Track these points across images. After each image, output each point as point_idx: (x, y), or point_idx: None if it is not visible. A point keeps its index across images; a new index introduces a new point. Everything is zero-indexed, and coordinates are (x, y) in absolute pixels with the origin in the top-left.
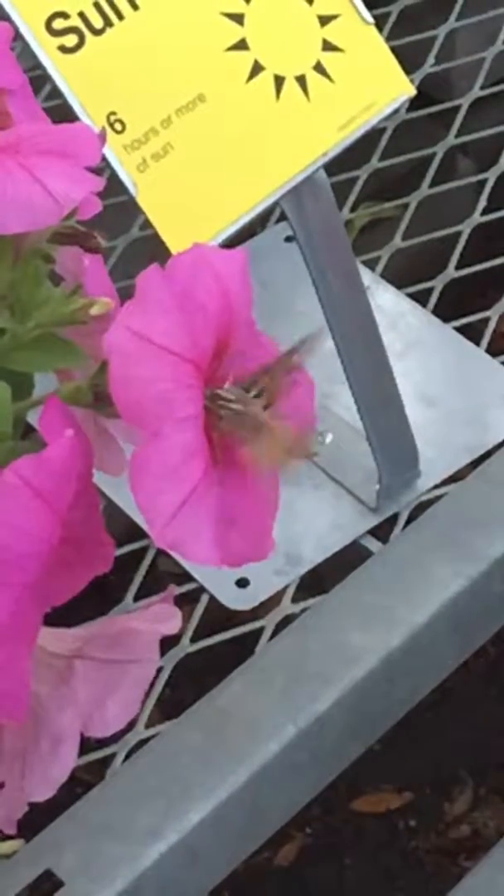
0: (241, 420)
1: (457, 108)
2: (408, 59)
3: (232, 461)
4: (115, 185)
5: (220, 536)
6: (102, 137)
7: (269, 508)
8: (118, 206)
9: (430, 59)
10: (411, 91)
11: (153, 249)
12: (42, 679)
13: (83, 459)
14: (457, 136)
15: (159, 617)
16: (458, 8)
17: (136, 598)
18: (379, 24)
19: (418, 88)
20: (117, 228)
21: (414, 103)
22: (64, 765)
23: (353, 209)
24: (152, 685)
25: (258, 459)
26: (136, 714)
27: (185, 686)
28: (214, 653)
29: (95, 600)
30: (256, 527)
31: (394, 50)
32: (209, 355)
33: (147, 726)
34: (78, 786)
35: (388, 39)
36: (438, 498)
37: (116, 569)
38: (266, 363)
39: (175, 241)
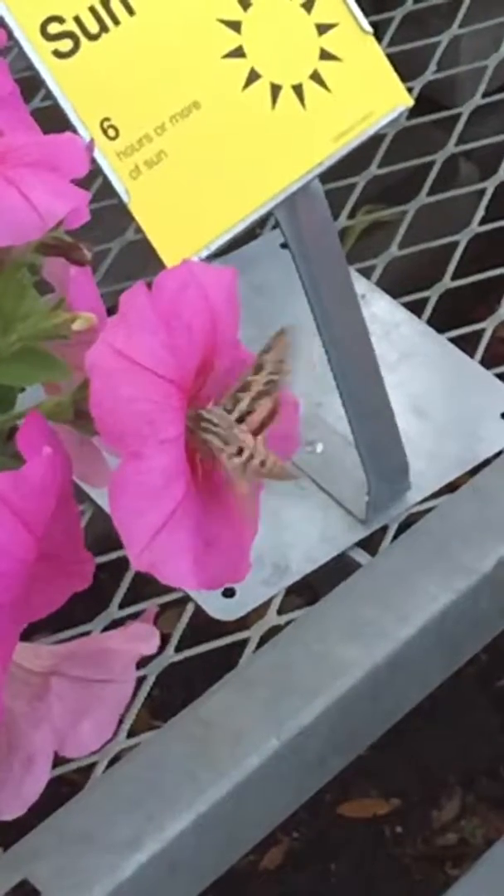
0: (223, 442)
1: (457, 116)
2: (411, 65)
3: (212, 482)
4: (112, 187)
5: (199, 559)
6: (90, 149)
7: (248, 530)
8: (116, 207)
9: (433, 66)
10: (409, 102)
11: (150, 252)
12: (17, 695)
13: (62, 476)
14: (457, 143)
15: (138, 636)
16: (461, 14)
17: (125, 602)
18: (382, 29)
19: (421, 94)
20: (115, 229)
21: (417, 109)
22: (36, 783)
23: (351, 216)
24: (137, 691)
25: (240, 481)
26: (110, 735)
27: (174, 687)
28: (203, 654)
29: (86, 601)
30: (235, 548)
31: (397, 55)
32: (193, 376)
33: (134, 727)
34: (64, 785)
35: (390, 45)
36: (428, 511)
37: (107, 570)
38: (245, 376)
39: (167, 249)
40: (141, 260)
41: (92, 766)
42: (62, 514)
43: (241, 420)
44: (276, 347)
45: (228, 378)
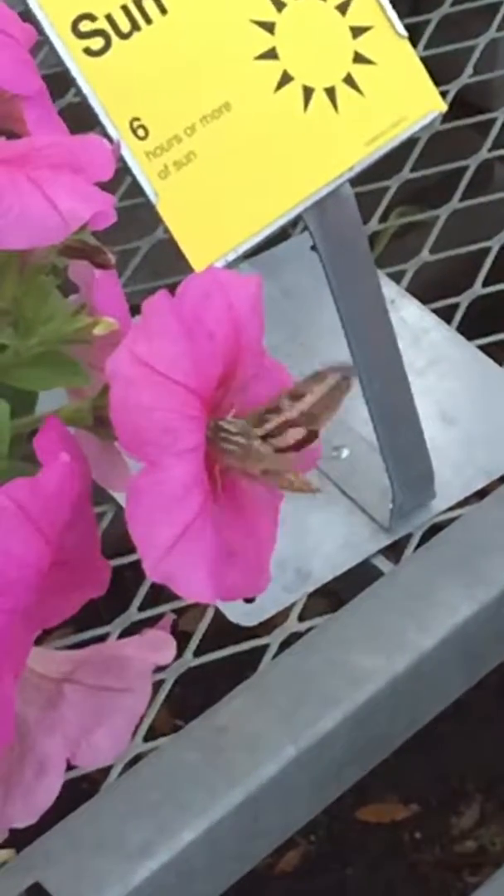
0: (242, 453)
1: (493, 120)
2: (447, 68)
3: (231, 493)
4: None
5: (216, 571)
6: (116, 151)
7: (267, 542)
8: (151, 204)
9: (469, 70)
10: (442, 107)
11: (179, 252)
12: (29, 701)
13: (79, 483)
14: (491, 148)
15: (154, 645)
16: (499, 17)
17: (145, 603)
18: (419, 32)
19: (457, 97)
20: (149, 227)
21: (452, 112)
22: (48, 791)
23: (382, 219)
24: (156, 694)
25: (258, 493)
26: (125, 746)
27: (195, 686)
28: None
29: (107, 599)
30: (253, 561)
31: (433, 58)
32: (214, 385)
33: (155, 726)
34: (84, 782)
35: (427, 47)
36: (453, 519)
37: (130, 569)
38: (280, 398)
39: (194, 251)
40: (170, 259)
41: (110, 766)
42: (78, 521)
43: (264, 439)
44: (323, 383)
45: (252, 387)
